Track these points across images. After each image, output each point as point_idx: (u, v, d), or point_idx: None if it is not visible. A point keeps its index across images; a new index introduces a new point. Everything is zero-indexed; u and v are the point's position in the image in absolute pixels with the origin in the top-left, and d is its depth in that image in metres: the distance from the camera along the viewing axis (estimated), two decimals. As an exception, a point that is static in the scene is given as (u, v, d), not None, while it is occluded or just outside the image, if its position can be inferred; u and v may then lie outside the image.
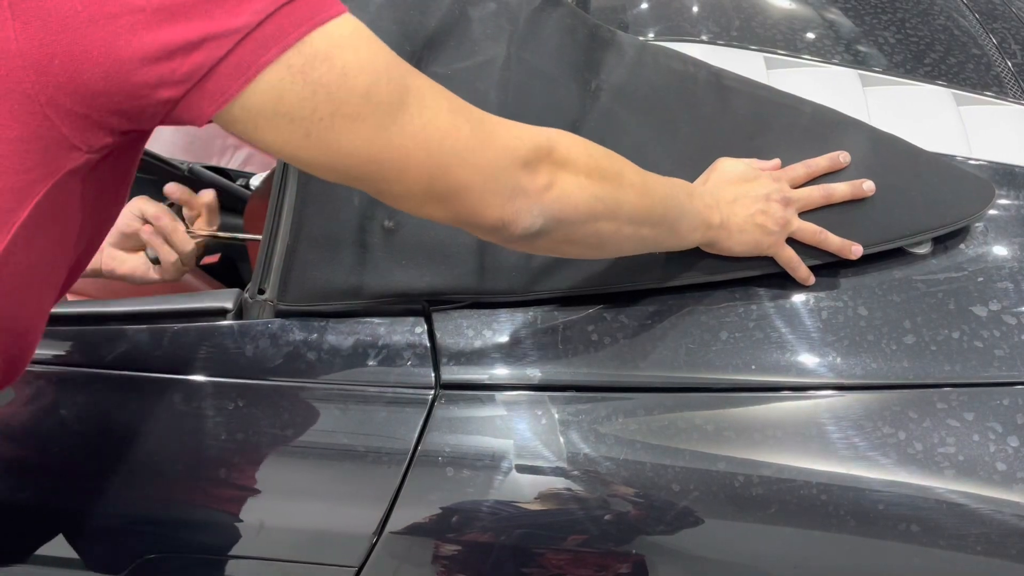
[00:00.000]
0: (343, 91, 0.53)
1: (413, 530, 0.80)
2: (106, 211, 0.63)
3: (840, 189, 0.83)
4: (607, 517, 0.78)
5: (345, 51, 0.53)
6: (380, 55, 0.56)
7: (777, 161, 0.86)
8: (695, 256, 0.82)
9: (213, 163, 1.85)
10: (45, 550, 0.87)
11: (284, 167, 0.82)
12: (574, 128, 0.84)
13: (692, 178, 0.86)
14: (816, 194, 0.83)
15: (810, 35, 1.13)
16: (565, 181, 0.65)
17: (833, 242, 0.82)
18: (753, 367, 0.80)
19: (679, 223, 0.76)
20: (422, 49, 0.79)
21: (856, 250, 0.82)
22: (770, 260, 0.83)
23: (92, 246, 0.65)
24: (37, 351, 0.85)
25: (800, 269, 0.82)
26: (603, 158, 0.69)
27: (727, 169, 0.83)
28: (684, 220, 0.76)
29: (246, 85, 0.51)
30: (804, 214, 0.83)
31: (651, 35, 1.11)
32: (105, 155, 0.55)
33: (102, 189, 0.59)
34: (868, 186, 0.83)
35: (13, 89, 0.48)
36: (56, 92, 0.49)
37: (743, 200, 0.81)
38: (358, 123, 0.54)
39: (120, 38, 0.48)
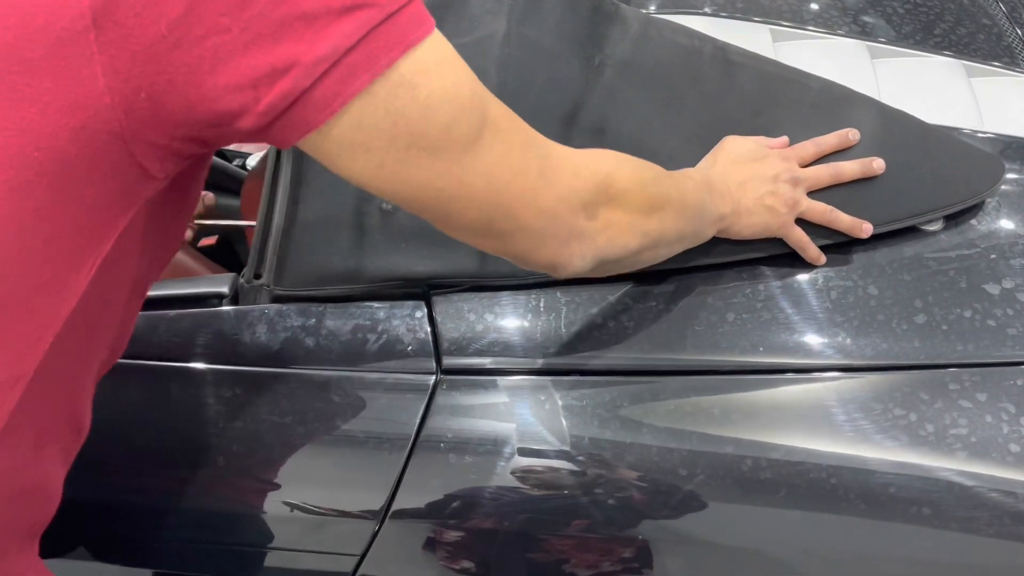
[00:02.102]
0: (424, 123, 0.51)
1: (416, 517, 0.79)
2: (175, 228, 0.62)
3: (849, 168, 0.81)
4: (612, 502, 0.77)
5: (431, 79, 0.50)
6: (465, 82, 0.53)
7: (785, 139, 0.84)
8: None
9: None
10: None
11: (278, 151, 0.80)
12: (577, 106, 0.83)
13: (698, 155, 0.84)
14: (825, 173, 0.81)
15: (817, 6, 1.10)
16: (619, 221, 0.64)
17: (843, 221, 0.81)
18: (761, 349, 0.78)
19: (702, 227, 0.76)
20: (419, 25, 0.77)
21: (866, 228, 0.81)
22: (778, 241, 0.81)
23: (162, 265, 0.64)
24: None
25: (810, 249, 0.81)
26: (652, 185, 0.68)
27: (735, 149, 0.81)
28: (705, 220, 0.76)
29: (331, 116, 0.48)
30: (813, 193, 0.82)
31: (653, 8, 1.09)
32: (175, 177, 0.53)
33: (173, 209, 0.58)
34: (878, 164, 0.81)
35: (100, 129, 0.46)
36: (141, 127, 0.46)
37: (752, 182, 0.79)
38: (433, 157, 0.52)
39: (205, 63, 0.45)
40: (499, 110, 0.56)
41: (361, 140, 0.50)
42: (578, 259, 0.63)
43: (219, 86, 0.46)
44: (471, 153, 0.54)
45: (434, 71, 0.50)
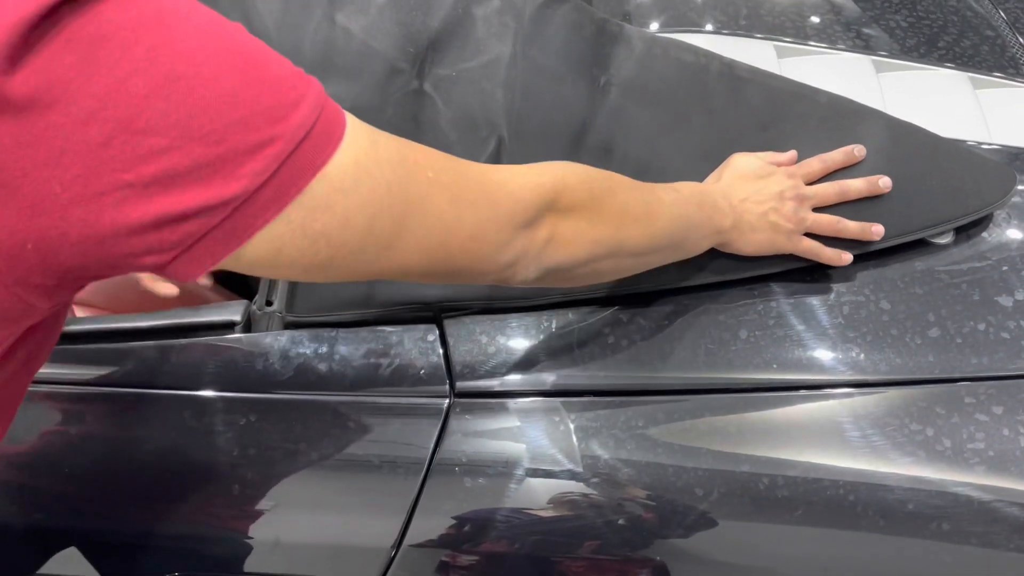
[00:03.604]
0: (345, 234, 0.49)
1: (432, 542, 0.78)
2: (50, 339, 0.59)
3: (856, 185, 0.81)
4: (629, 523, 0.76)
5: (347, 195, 0.49)
6: (382, 179, 0.51)
7: (793, 153, 0.84)
8: (711, 256, 0.80)
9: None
10: (57, 570, 0.86)
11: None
12: (584, 126, 0.83)
13: (706, 171, 0.84)
14: (831, 191, 0.81)
15: (821, 21, 1.11)
16: (564, 230, 0.63)
17: (851, 228, 0.81)
18: (775, 366, 0.78)
19: (686, 240, 0.74)
20: (426, 50, 0.77)
21: (876, 230, 0.81)
22: (790, 257, 0.81)
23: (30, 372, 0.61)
24: (45, 370, 0.84)
25: (824, 252, 0.81)
26: (605, 195, 0.66)
27: (741, 165, 0.81)
28: (692, 234, 0.75)
29: (239, 247, 0.46)
30: (820, 208, 0.82)
31: (655, 26, 1.09)
32: None
33: (55, 317, 0.56)
34: (884, 182, 0.81)
35: None
36: (27, 273, 0.44)
37: (756, 198, 0.79)
38: (358, 254, 0.51)
39: (104, 215, 0.43)
40: (422, 180, 0.54)
41: (283, 261, 0.49)
42: (522, 271, 0.62)
43: (120, 233, 0.44)
44: (398, 238, 0.53)
45: (350, 184, 0.49)
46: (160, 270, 0.47)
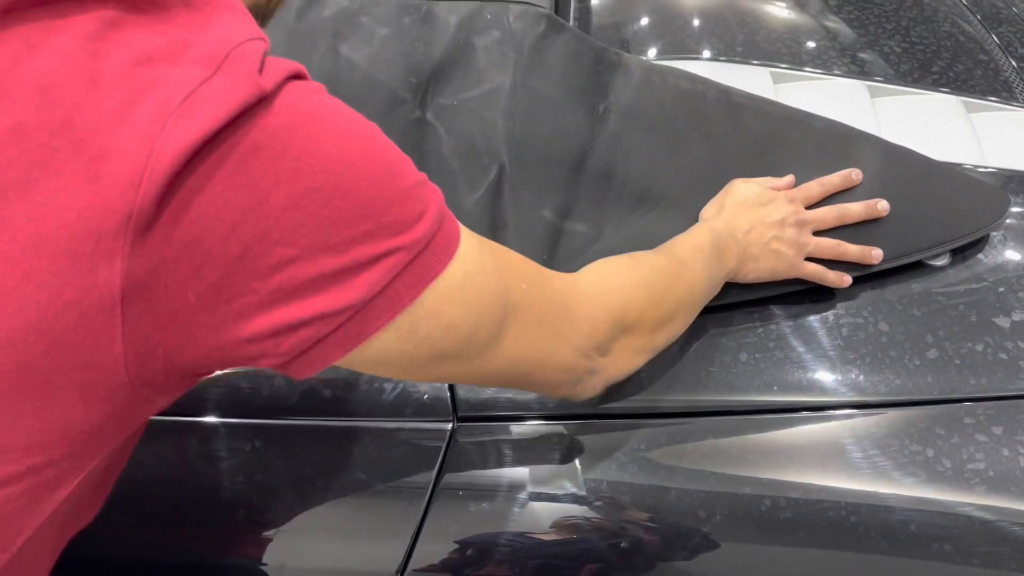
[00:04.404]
0: (446, 342, 0.51)
1: (436, 566, 0.78)
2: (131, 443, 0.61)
3: (855, 209, 0.83)
4: (632, 546, 0.76)
5: (454, 305, 0.50)
6: (487, 291, 0.53)
7: (791, 178, 0.85)
8: None
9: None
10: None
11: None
12: (584, 153, 0.84)
13: (705, 196, 0.85)
14: (831, 215, 0.82)
15: (816, 47, 1.12)
16: (630, 346, 0.67)
17: (852, 252, 0.82)
18: (775, 388, 0.79)
19: (713, 292, 0.78)
20: (428, 80, 0.79)
21: (876, 254, 0.82)
22: (790, 280, 0.82)
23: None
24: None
25: (827, 275, 0.82)
26: (664, 299, 0.69)
27: (742, 193, 0.82)
28: (715, 289, 0.78)
29: (350, 352, 0.48)
30: (820, 232, 0.83)
31: (653, 54, 1.11)
32: None
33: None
34: (883, 206, 0.82)
35: (111, 384, 0.44)
36: (153, 375, 0.45)
37: (759, 228, 0.80)
38: (454, 360, 0.53)
39: (228, 322, 0.44)
40: (519, 290, 0.56)
41: (382, 361, 0.50)
42: (591, 391, 0.66)
43: (241, 340, 0.45)
44: (491, 349, 0.55)
45: (458, 296, 0.50)
46: (277, 369, 0.48)
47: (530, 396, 0.80)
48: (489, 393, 0.80)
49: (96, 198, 0.39)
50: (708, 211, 0.83)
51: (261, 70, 0.43)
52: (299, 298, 0.45)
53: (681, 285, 0.72)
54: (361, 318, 0.46)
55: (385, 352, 0.49)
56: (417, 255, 0.47)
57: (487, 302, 0.53)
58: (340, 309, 0.45)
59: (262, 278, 0.43)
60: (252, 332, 0.45)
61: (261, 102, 0.42)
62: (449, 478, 0.78)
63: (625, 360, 0.67)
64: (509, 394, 0.80)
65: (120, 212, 0.39)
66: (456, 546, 0.78)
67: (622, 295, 0.65)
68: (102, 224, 0.39)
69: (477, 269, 0.52)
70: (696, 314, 0.76)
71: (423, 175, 0.50)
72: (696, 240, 0.76)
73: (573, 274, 0.64)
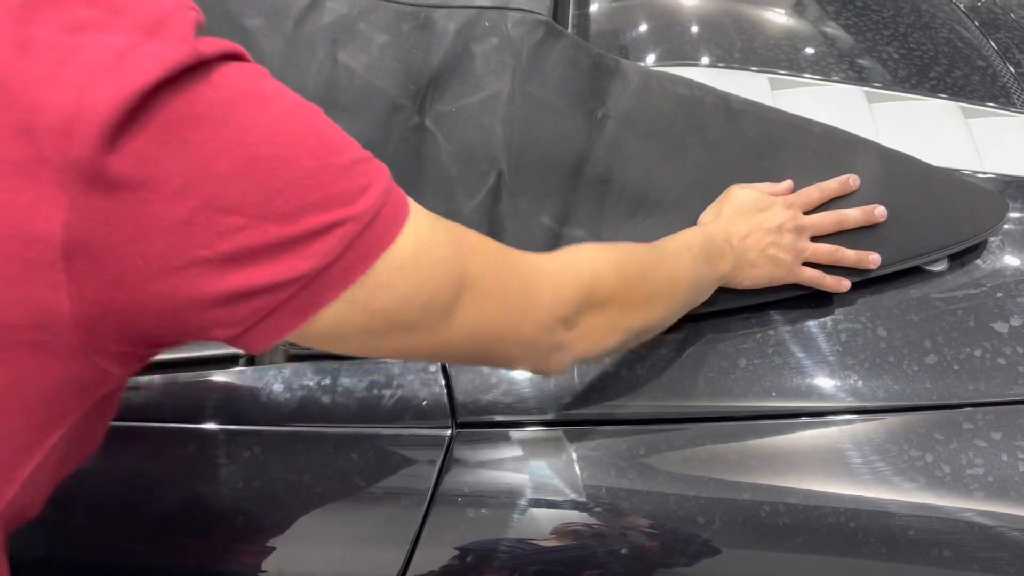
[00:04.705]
0: (403, 311, 0.52)
1: (435, 573, 0.78)
2: (100, 424, 0.61)
3: (853, 215, 0.83)
4: (632, 552, 0.76)
5: (407, 274, 0.51)
6: (441, 259, 0.54)
7: (789, 183, 0.85)
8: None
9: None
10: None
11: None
12: (582, 159, 0.84)
13: (704, 202, 0.85)
14: (829, 220, 0.83)
15: (813, 53, 1.12)
16: (599, 323, 0.65)
17: (849, 257, 0.82)
18: (774, 394, 0.79)
19: (699, 298, 0.77)
20: (426, 87, 0.79)
21: (873, 259, 0.82)
22: (789, 285, 0.82)
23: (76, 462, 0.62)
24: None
25: (825, 280, 0.82)
26: (637, 281, 0.68)
27: (740, 199, 0.82)
28: (703, 291, 0.77)
29: (304, 322, 0.48)
30: (817, 237, 0.83)
31: (651, 60, 1.11)
32: None
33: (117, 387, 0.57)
34: (880, 211, 0.83)
35: (61, 347, 0.45)
36: (105, 341, 0.46)
37: (756, 233, 0.80)
38: (411, 332, 0.54)
39: (180, 289, 0.45)
40: (475, 263, 0.56)
41: (340, 334, 0.51)
42: (558, 365, 0.65)
43: (192, 307, 0.45)
44: (449, 318, 0.55)
45: (411, 267, 0.51)
46: (230, 341, 0.49)
47: (529, 402, 0.80)
48: (488, 399, 0.80)
49: (30, 149, 0.40)
50: (706, 216, 0.84)
51: (196, 38, 0.44)
52: (250, 265, 0.45)
53: (660, 272, 0.71)
54: (315, 288, 0.47)
55: (341, 325, 0.50)
56: (367, 225, 0.48)
57: (442, 273, 0.53)
58: (293, 278, 0.46)
59: (210, 246, 0.44)
60: (204, 299, 0.45)
61: (200, 71, 0.43)
62: (448, 484, 0.78)
63: (596, 337, 0.66)
64: (508, 400, 0.80)
65: (54, 162, 0.40)
66: (455, 553, 0.78)
67: (591, 271, 0.65)
68: (38, 173, 0.40)
69: (430, 241, 0.53)
70: (679, 307, 0.74)
71: (368, 153, 0.50)
72: (686, 238, 0.77)
73: (541, 253, 0.64)
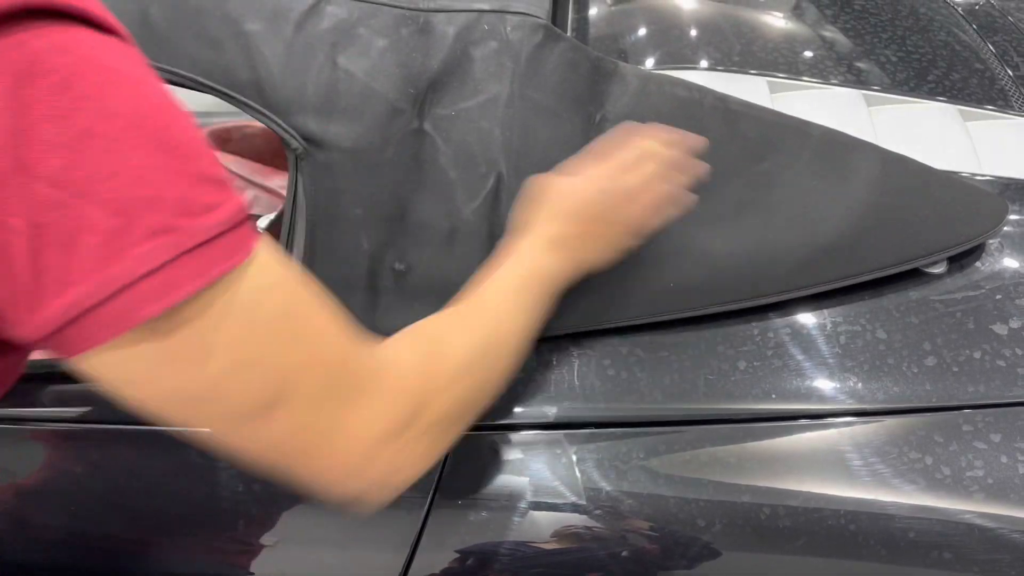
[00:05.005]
0: (208, 371, 0.45)
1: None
2: None
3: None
4: (632, 555, 0.76)
5: (228, 316, 0.45)
6: (274, 328, 0.47)
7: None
8: (710, 284, 0.81)
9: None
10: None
11: (292, 212, 0.82)
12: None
13: (702, 203, 0.84)
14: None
15: (812, 57, 1.13)
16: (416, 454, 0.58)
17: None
18: (773, 396, 0.79)
19: (538, 321, 0.69)
20: (425, 91, 0.79)
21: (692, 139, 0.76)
22: (787, 285, 0.82)
23: None
24: (51, 409, 0.84)
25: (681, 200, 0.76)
26: (465, 401, 0.61)
27: (559, 191, 0.74)
28: (539, 316, 0.70)
29: (117, 335, 0.42)
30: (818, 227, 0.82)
31: (650, 63, 1.11)
32: None
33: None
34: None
35: None
36: None
37: (577, 225, 0.72)
38: (206, 404, 0.47)
39: None
40: (306, 353, 0.49)
41: (134, 376, 0.45)
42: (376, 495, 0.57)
43: None
44: (259, 413, 0.48)
45: (238, 312, 0.45)
46: (41, 345, 0.43)
47: (529, 404, 0.80)
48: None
49: None
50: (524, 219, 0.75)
51: None
52: (62, 249, 0.40)
53: (478, 335, 0.64)
54: (131, 297, 0.41)
55: (141, 358, 0.44)
56: (200, 245, 0.43)
57: (272, 337, 0.47)
58: (109, 277, 0.41)
59: (20, 214, 0.39)
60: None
61: (40, 23, 0.39)
62: (448, 488, 0.78)
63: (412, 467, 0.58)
64: (508, 402, 0.80)
65: None
66: (455, 556, 0.78)
67: (421, 396, 0.57)
68: None
69: (272, 296, 0.47)
70: (516, 343, 0.67)
71: (230, 180, 0.46)
72: (509, 278, 0.69)
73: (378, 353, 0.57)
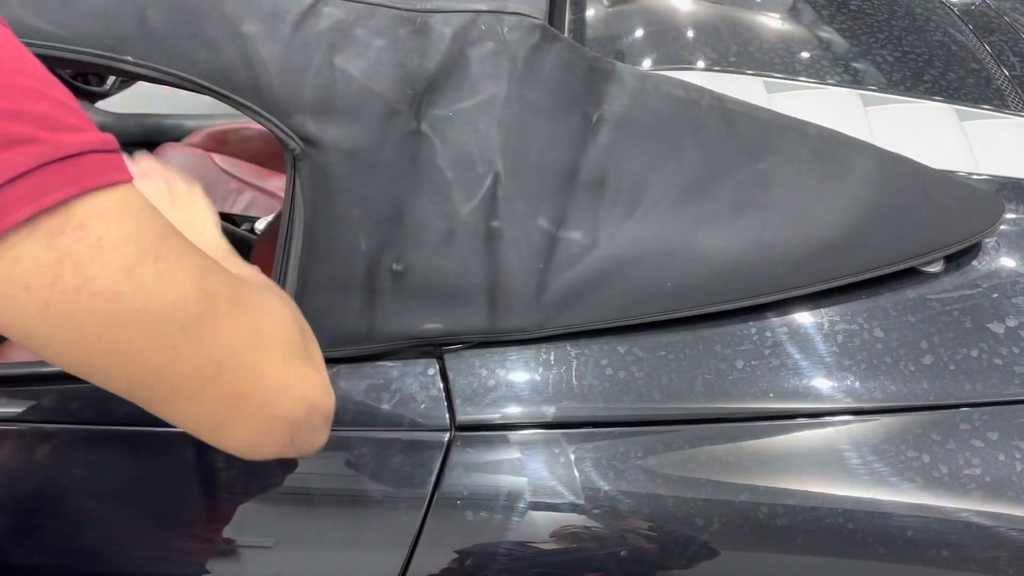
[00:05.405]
0: (94, 264, 0.44)
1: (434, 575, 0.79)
2: None
3: None
4: (631, 555, 0.76)
5: (108, 223, 0.44)
6: (148, 232, 0.46)
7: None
8: (708, 283, 0.81)
9: (216, 209, 1.85)
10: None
11: (290, 213, 0.82)
12: (578, 162, 0.84)
13: (701, 204, 0.85)
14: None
15: (809, 57, 1.13)
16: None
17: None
18: (771, 395, 0.79)
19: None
20: (423, 92, 0.79)
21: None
22: (785, 284, 0.82)
23: None
24: (50, 409, 0.84)
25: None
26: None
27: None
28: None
29: None
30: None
31: (647, 64, 1.12)
32: None
33: None
34: None
35: None
36: None
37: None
38: (111, 302, 0.45)
39: None
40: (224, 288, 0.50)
41: (18, 275, 0.43)
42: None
43: None
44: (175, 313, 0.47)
45: (114, 217, 0.44)
46: None
47: (528, 404, 0.80)
48: (487, 401, 0.80)
49: None
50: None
51: None
52: None
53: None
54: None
55: (19, 259, 0.42)
56: (66, 157, 0.42)
57: (155, 261, 0.46)
58: None
59: None
60: None
61: None
62: (447, 488, 0.79)
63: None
64: (507, 402, 0.80)
65: None
66: (454, 556, 0.78)
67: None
68: None
69: (153, 224, 0.46)
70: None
71: (94, 125, 0.45)
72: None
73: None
